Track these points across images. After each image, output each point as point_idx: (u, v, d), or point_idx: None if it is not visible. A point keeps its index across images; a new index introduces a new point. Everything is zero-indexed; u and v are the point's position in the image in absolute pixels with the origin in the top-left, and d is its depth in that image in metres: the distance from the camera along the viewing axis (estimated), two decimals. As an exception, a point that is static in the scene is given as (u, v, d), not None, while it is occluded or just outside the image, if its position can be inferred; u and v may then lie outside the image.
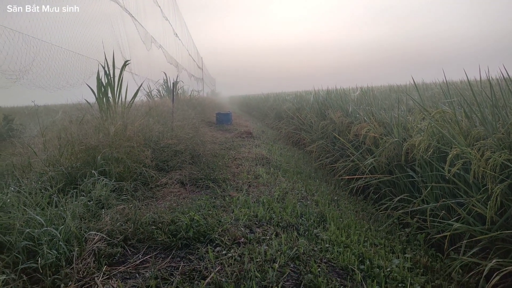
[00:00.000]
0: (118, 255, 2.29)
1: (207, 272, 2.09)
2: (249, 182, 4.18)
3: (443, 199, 3.02)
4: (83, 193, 3.02)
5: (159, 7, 11.51)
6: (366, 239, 2.84)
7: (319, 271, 2.16)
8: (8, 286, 1.74)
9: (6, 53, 3.73)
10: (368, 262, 2.37)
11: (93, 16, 5.74)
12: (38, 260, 1.92)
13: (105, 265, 2.13)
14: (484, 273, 2.17)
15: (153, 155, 4.48)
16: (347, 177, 4.72)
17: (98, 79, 5.21)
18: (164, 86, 12.52)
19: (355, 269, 2.26)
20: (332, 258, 2.40)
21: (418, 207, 3.26)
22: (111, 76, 5.39)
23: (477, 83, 4.55)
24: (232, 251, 2.34)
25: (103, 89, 5.25)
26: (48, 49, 4.56)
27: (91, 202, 2.90)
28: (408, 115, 4.42)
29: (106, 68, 5.34)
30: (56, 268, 1.98)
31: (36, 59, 4.32)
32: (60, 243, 2.08)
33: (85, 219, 2.60)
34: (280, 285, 1.97)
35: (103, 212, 2.77)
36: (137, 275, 2.08)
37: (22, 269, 1.89)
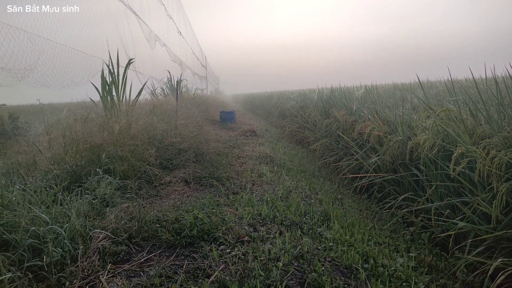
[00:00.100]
0: (123, 253, 2.29)
1: (211, 271, 2.09)
2: (253, 181, 4.18)
3: (448, 198, 3.00)
4: (88, 191, 3.04)
5: (163, 5, 11.52)
6: (370, 238, 2.83)
7: (323, 269, 2.16)
8: (14, 283, 1.76)
9: (12, 51, 3.75)
10: (372, 261, 2.36)
11: (97, 14, 5.75)
12: (43, 258, 1.93)
13: (109, 263, 2.14)
14: (489, 273, 2.16)
15: (157, 153, 4.49)
16: (351, 175, 4.71)
17: (103, 78, 5.23)
18: (168, 85, 12.54)
19: (359, 268, 2.26)
20: (336, 257, 2.40)
21: (423, 206, 3.25)
22: (116, 74, 5.40)
23: (482, 81, 4.51)
24: (236, 249, 2.34)
25: (107, 88, 5.27)
26: (53, 47, 4.59)
27: (96, 200, 2.92)
28: (413, 113, 4.40)
29: (111, 67, 5.36)
30: (61, 266, 2.00)
31: (41, 58, 4.34)
32: (65, 241, 2.09)
33: (90, 217, 2.61)
34: (284, 284, 1.97)
35: (107, 210, 2.78)
36: (141, 273, 2.09)
37: (27, 267, 1.90)
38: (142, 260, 2.24)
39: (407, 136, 3.95)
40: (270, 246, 2.38)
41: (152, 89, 11.07)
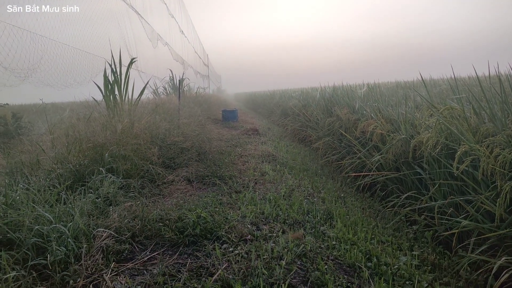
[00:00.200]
0: (126, 251, 2.30)
1: (214, 269, 2.10)
2: (255, 179, 4.18)
3: (451, 196, 2.99)
4: (91, 190, 3.05)
5: (165, 4, 11.53)
6: (373, 236, 2.83)
7: (326, 268, 2.16)
8: (18, 282, 1.76)
9: (15, 51, 3.76)
10: (375, 260, 2.36)
11: (99, 14, 5.76)
12: (47, 257, 1.94)
13: (113, 261, 2.14)
14: (493, 271, 2.16)
15: (159, 152, 4.50)
16: (354, 174, 4.70)
17: (105, 77, 5.24)
18: (170, 84, 12.55)
19: (362, 267, 2.26)
20: (339, 256, 2.40)
21: (426, 205, 3.24)
22: (118, 73, 5.41)
23: (486, 79, 4.50)
24: (239, 248, 2.35)
25: (110, 87, 5.28)
26: (56, 47, 4.60)
27: (99, 199, 2.92)
28: (416, 111, 4.38)
29: (113, 66, 5.36)
30: (65, 265, 2.00)
31: (44, 57, 4.35)
32: (69, 239, 2.10)
33: (93, 216, 2.62)
34: (287, 282, 1.97)
35: (111, 209, 2.79)
36: (145, 271, 2.10)
37: (31, 265, 1.91)
38: (146, 258, 2.24)
39: (410, 134, 3.94)
40: (273, 244, 2.38)
41: (155, 88, 11.10)
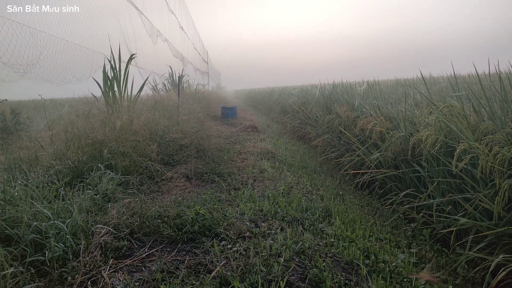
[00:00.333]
0: (125, 248, 2.30)
1: (212, 266, 2.10)
2: (254, 177, 4.18)
3: (450, 194, 3.00)
4: (90, 187, 3.05)
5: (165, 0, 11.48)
6: (371, 234, 2.83)
7: (324, 265, 2.16)
8: (16, 278, 1.77)
9: (14, 46, 3.74)
10: (373, 257, 2.36)
11: (99, 9, 5.73)
12: (45, 253, 1.94)
13: (111, 258, 2.15)
14: (491, 269, 2.16)
15: (158, 149, 4.50)
16: (353, 171, 4.71)
17: (104, 73, 5.22)
18: (169, 80, 12.53)
19: (360, 264, 2.26)
20: (337, 253, 2.40)
21: (424, 202, 3.24)
22: (117, 70, 5.40)
23: (486, 77, 4.49)
24: (237, 245, 2.35)
25: (109, 83, 5.27)
26: (55, 42, 4.58)
27: (98, 196, 2.92)
28: (415, 109, 4.38)
29: (112, 62, 5.35)
30: (63, 261, 2.01)
31: (43, 53, 4.34)
32: (67, 236, 2.10)
33: (92, 213, 2.62)
34: (285, 279, 1.97)
35: (109, 206, 2.79)
36: (143, 268, 2.10)
37: (30, 262, 1.91)
38: (144, 255, 2.25)
39: (409, 132, 3.94)
40: (272, 242, 2.39)
41: (154, 85, 11.08)
